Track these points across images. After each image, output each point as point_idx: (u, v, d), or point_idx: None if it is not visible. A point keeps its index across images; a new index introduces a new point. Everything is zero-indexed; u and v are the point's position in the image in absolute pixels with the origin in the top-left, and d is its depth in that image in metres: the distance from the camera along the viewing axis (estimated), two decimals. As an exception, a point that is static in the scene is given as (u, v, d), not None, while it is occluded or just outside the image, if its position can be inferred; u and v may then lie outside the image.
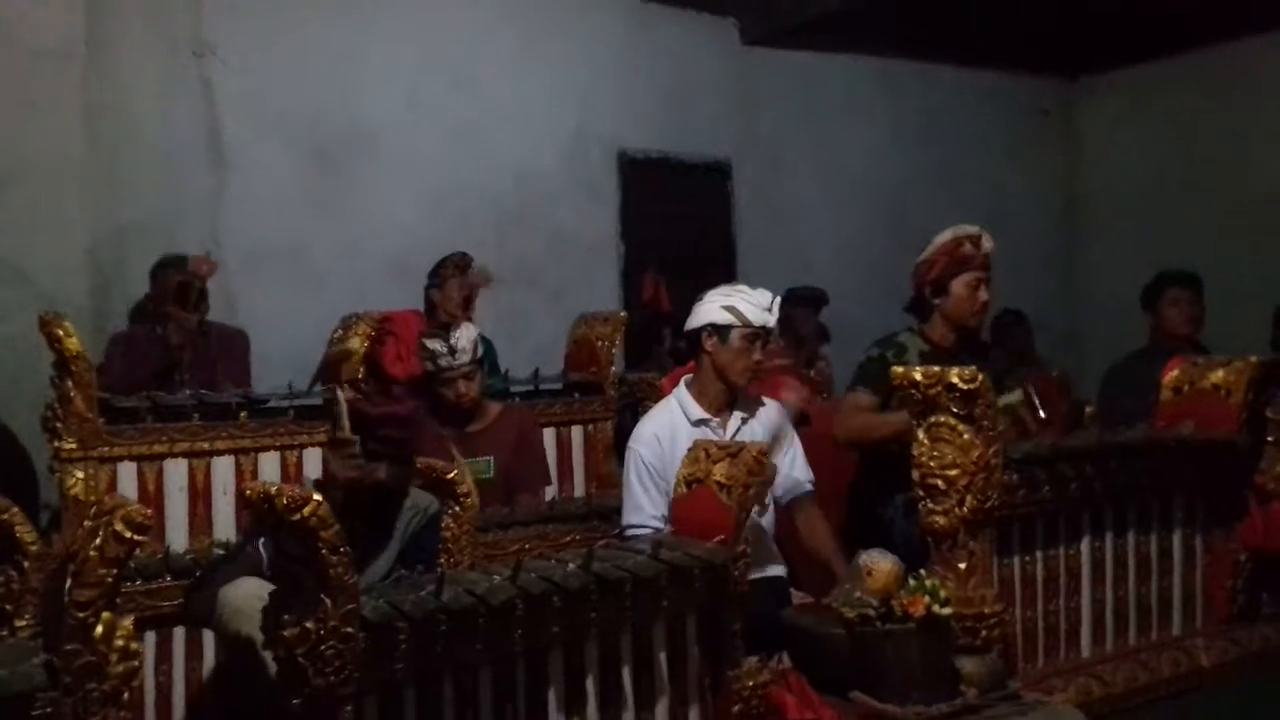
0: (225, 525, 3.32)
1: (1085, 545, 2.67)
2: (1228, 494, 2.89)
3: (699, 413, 2.87)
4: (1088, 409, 3.60)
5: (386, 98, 5.08)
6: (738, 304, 2.82)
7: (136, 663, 1.52)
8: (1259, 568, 2.86)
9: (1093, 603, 2.68)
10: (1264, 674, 2.73)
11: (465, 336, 3.30)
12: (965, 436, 2.38)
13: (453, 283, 4.11)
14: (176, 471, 3.29)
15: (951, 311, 3.11)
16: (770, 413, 2.99)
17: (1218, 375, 2.89)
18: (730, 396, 2.91)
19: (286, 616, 1.69)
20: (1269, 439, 2.91)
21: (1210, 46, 6.26)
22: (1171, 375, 3.00)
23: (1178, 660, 2.70)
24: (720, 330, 2.83)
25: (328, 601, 1.66)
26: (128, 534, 1.49)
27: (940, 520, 2.40)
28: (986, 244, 3.09)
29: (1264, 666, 2.72)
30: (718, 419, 2.89)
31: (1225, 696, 2.64)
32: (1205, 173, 6.40)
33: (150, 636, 2.35)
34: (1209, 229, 6.17)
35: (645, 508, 2.77)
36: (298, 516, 1.65)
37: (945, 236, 3.10)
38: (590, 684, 1.97)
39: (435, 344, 3.27)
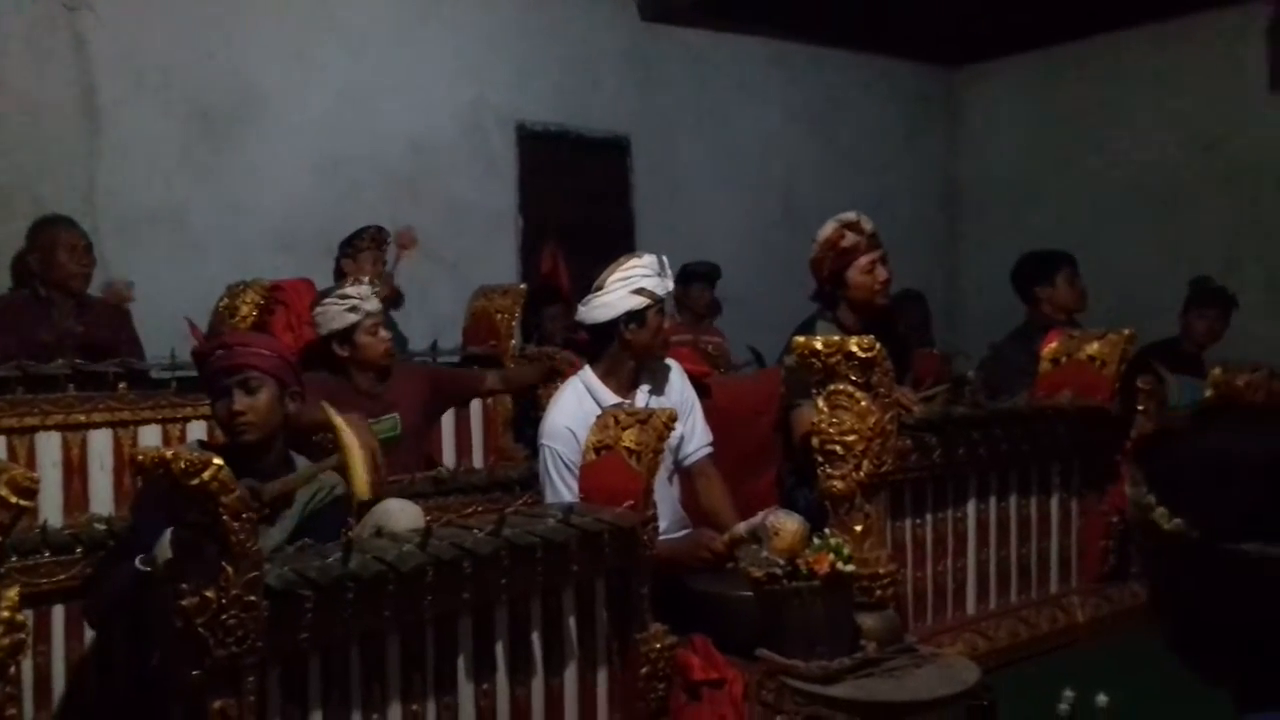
0: (102, 501, 3.17)
1: (971, 508, 2.80)
2: (1101, 459, 3.07)
3: (610, 397, 2.82)
4: (969, 378, 3.73)
5: (272, 57, 4.86)
6: (645, 284, 2.79)
7: (23, 635, 1.44)
8: (1129, 529, 3.04)
9: (977, 563, 2.82)
10: (1134, 629, 2.90)
11: (365, 287, 3.29)
12: (863, 404, 2.46)
13: (366, 255, 3.99)
14: (49, 445, 3.13)
15: (856, 296, 3.13)
16: (674, 375, 3.01)
17: (1093, 347, 3.06)
18: (638, 372, 2.91)
19: (185, 585, 1.62)
20: (1140, 407, 3.09)
21: (1084, 39, 6.58)
22: (1050, 347, 3.16)
23: (1055, 616, 2.87)
24: (637, 315, 2.81)
25: (229, 569, 1.60)
26: (13, 499, 1.42)
27: (838, 484, 2.48)
28: (866, 225, 3.09)
29: (1134, 622, 2.90)
30: (628, 399, 2.88)
31: (1099, 649, 2.81)
32: (1076, 158, 6.72)
33: (28, 614, 2.21)
34: (1078, 212, 6.49)
35: (568, 500, 2.73)
36: (196, 481, 1.59)
37: (826, 231, 3.10)
38: (500, 650, 1.97)
39: (353, 289, 3.23)
